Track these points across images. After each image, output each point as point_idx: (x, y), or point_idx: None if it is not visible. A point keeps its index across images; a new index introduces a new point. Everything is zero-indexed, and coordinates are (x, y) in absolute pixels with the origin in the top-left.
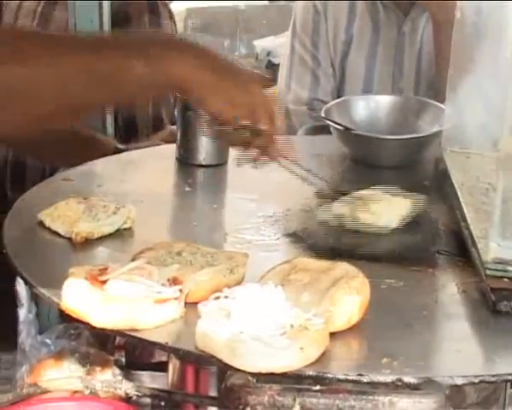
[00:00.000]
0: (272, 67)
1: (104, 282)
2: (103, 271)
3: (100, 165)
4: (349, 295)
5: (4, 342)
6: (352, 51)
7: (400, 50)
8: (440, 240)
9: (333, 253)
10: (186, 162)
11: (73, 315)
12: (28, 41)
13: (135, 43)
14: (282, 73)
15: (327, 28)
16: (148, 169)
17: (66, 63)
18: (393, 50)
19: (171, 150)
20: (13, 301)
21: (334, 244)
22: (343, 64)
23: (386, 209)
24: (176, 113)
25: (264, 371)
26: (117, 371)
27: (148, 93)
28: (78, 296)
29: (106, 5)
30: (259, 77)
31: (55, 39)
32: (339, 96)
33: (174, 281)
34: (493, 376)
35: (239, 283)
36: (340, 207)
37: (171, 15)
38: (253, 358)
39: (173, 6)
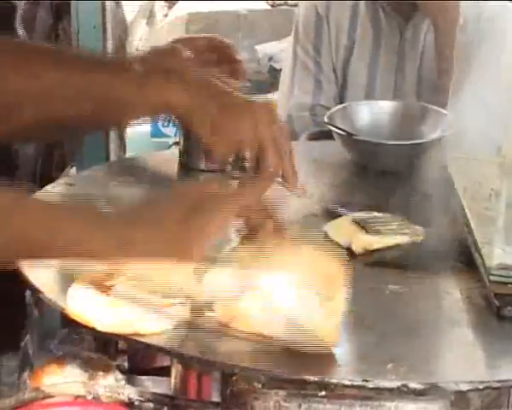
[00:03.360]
0: (274, 73)
1: (110, 287)
2: (109, 276)
3: (102, 170)
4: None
5: (7, 346)
6: (353, 57)
7: (402, 56)
8: (444, 246)
9: None
10: (188, 168)
11: (78, 320)
12: (34, 54)
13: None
14: (284, 79)
15: (329, 33)
16: (151, 174)
17: (69, 79)
18: (395, 56)
19: (174, 156)
20: (16, 306)
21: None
22: (345, 70)
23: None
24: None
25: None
26: (119, 376)
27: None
28: (83, 301)
29: (109, 10)
30: (268, 108)
31: (60, 54)
32: (341, 102)
33: None
34: (498, 382)
35: None
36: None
37: None
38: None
39: (175, 11)
